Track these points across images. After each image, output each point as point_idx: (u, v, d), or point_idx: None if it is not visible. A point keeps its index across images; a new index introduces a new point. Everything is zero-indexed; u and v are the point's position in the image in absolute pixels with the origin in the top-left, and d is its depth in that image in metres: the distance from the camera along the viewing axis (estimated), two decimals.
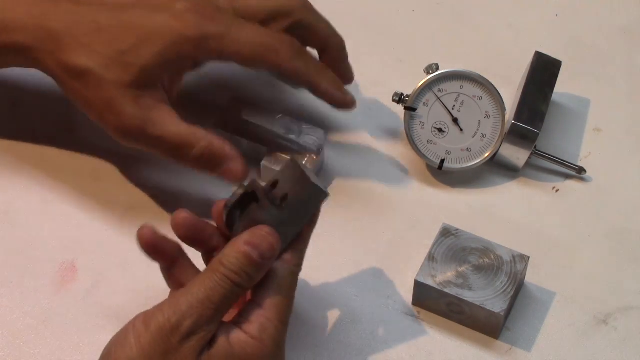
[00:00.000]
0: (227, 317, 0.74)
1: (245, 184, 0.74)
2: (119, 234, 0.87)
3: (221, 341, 0.71)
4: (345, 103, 0.88)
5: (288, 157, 0.88)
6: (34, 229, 0.88)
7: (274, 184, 0.75)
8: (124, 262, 0.86)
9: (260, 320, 0.72)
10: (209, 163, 0.82)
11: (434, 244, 0.85)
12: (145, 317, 0.70)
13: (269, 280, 0.73)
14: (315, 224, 0.77)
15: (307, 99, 0.98)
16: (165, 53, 0.81)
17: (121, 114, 0.80)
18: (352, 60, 1.01)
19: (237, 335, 0.72)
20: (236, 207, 0.74)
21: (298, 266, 0.75)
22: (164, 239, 0.75)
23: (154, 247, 0.75)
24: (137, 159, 0.91)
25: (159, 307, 0.71)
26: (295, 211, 0.75)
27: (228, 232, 0.75)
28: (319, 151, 0.91)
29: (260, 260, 0.72)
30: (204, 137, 0.82)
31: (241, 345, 0.71)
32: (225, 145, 0.82)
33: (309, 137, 0.92)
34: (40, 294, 0.84)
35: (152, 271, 0.77)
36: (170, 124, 0.81)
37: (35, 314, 0.83)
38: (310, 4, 0.89)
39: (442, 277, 0.83)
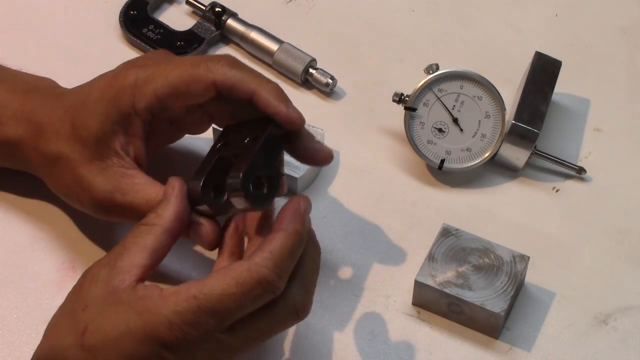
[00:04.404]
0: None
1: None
2: (118, 234, 0.87)
3: (123, 286, 0.71)
4: (289, 118, 0.77)
5: None
6: (34, 229, 0.88)
7: None
8: None
9: (182, 290, 0.70)
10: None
11: (434, 244, 0.85)
12: None
13: (224, 270, 0.71)
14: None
15: (306, 98, 0.98)
16: (107, 112, 0.80)
17: (91, 189, 0.80)
18: (352, 60, 1.01)
19: (149, 290, 0.71)
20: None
21: (259, 265, 0.70)
22: (225, 234, 0.77)
23: (217, 243, 0.77)
24: None
25: None
26: None
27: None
28: None
29: None
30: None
31: (142, 297, 0.70)
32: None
33: None
34: (40, 294, 0.84)
35: None
36: (139, 190, 0.80)
37: (35, 314, 0.83)
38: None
39: (442, 277, 0.83)
